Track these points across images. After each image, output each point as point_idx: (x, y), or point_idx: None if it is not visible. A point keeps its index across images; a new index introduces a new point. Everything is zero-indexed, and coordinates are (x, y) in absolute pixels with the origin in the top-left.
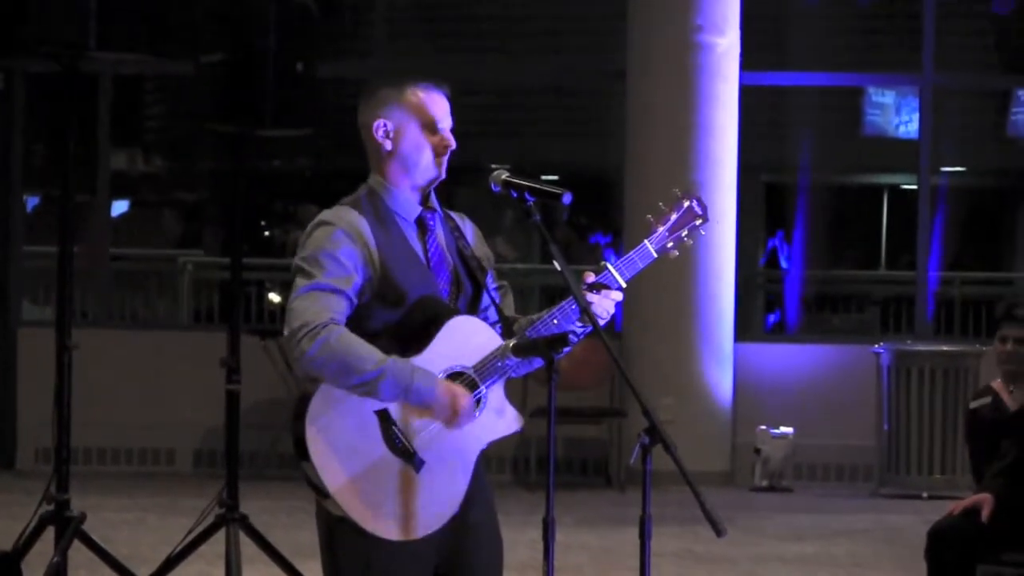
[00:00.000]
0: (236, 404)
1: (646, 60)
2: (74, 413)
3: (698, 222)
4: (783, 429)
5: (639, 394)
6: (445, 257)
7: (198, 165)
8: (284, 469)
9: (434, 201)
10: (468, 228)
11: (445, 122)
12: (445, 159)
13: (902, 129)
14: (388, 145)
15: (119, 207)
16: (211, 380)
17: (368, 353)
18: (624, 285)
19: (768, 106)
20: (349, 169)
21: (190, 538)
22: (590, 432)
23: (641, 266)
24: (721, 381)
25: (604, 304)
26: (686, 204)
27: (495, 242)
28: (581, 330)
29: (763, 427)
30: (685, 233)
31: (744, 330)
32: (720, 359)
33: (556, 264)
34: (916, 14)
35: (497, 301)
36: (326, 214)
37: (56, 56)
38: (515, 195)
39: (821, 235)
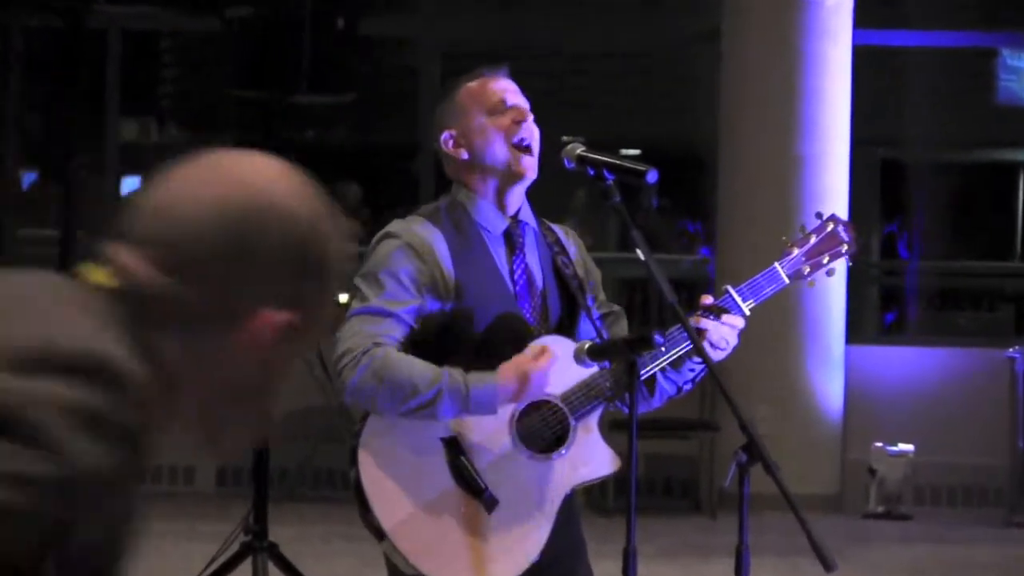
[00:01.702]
0: None
1: (743, 18)
2: None
3: (843, 249)
4: (901, 446)
5: (735, 404)
6: (534, 277)
7: (222, 137)
8: (319, 489)
9: (527, 212)
10: (571, 244)
11: (511, 98)
12: (529, 153)
13: None
14: (463, 154)
15: (130, 184)
16: None
17: (419, 372)
18: (748, 312)
19: (885, 70)
20: (396, 142)
21: (212, 568)
22: (676, 448)
23: (769, 291)
24: (829, 390)
25: (722, 331)
26: (829, 229)
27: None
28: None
29: (878, 444)
30: (826, 260)
31: (856, 331)
32: (828, 364)
33: (639, 253)
34: None
35: (600, 328)
36: (394, 225)
37: (58, 9)
38: (592, 172)
39: (946, 220)
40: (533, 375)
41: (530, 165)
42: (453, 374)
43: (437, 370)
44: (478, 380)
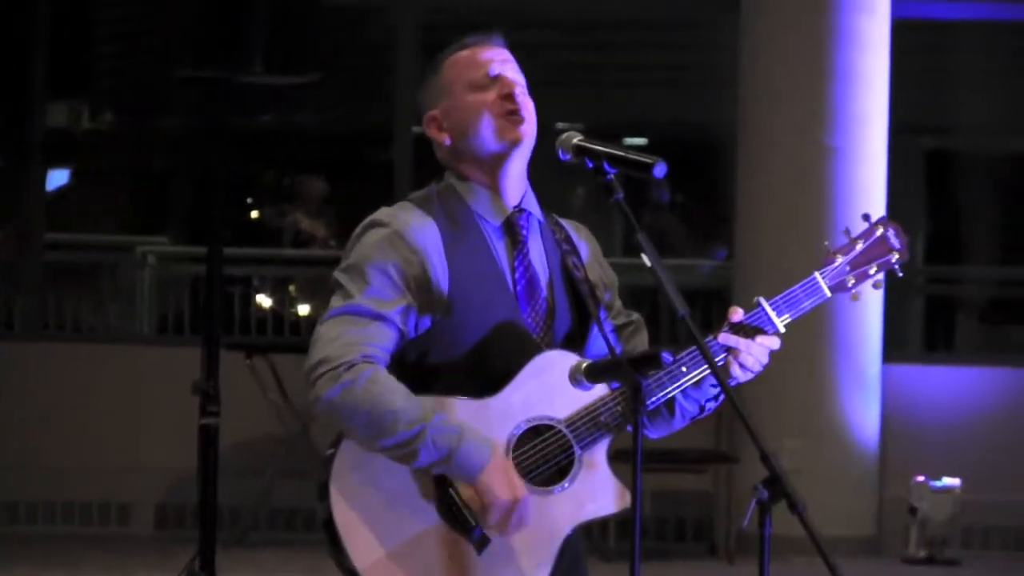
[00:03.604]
0: (214, 443)
1: None
2: None
3: (893, 258)
4: (947, 481)
5: (755, 433)
6: (538, 278)
7: (164, 122)
8: (277, 531)
9: (531, 201)
10: (583, 243)
11: (497, 67)
12: (521, 121)
13: None
14: (447, 138)
15: (57, 177)
16: (180, 411)
17: (406, 406)
18: (782, 329)
19: (930, 47)
20: (368, 127)
21: None
22: (688, 483)
23: (808, 305)
24: (865, 416)
25: (755, 352)
26: (878, 233)
27: None
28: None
29: (920, 478)
30: (873, 270)
31: (896, 347)
32: (863, 386)
33: (645, 258)
34: None
35: (613, 344)
36: (381, 213)
37: None
38: (591, 165)
39: (1001, 220)
40: (514, 509)
41: (524, 131)
42: (447, 418)
43: (428, 408)
44: (475, 437)
